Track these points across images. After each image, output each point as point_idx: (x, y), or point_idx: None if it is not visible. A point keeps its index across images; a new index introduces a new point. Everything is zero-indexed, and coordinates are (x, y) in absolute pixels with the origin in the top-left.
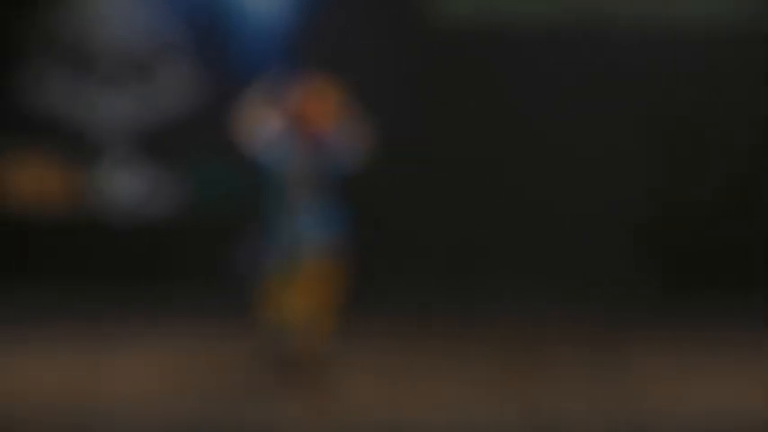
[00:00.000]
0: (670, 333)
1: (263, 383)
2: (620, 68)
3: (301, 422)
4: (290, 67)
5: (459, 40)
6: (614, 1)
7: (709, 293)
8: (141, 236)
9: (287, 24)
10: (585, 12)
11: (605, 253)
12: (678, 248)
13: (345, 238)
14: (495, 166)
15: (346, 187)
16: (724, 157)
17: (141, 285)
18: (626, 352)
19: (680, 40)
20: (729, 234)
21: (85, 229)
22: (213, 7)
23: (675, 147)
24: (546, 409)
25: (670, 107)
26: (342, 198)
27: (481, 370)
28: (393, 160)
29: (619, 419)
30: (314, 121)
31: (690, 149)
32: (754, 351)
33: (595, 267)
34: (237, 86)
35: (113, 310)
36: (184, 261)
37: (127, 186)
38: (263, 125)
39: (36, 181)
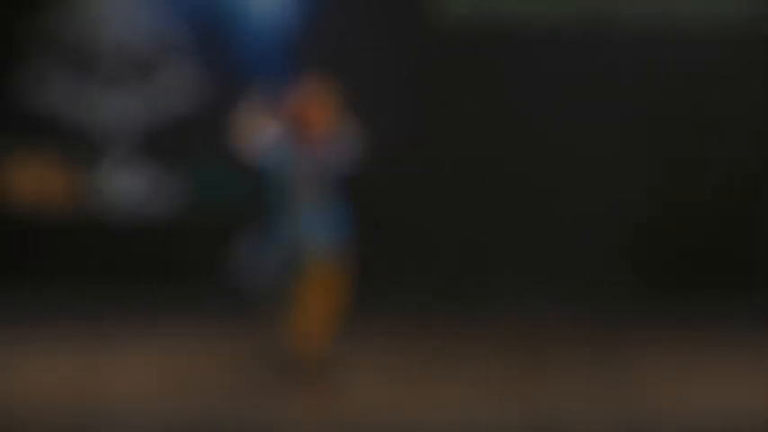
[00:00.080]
0: (670, 333)
1: (263, 383)
2: (620, 68)
3: (301, 422)
4: (291, 68)
5: (460, 39)
6: (615, 1)
7: (709, 293)
8: (142, 236)
9: (288, 24)
10: (586, 11)
11: (605, 253)
12: (678, 248)
13: (348, 239)
14: (495, 166)
15: (346, 187)
16: (724, 157)
17: (142, 285)
18: (626, 352)
19: (681, 41)
20: (729, 234)
21: (86, 229)
22: (215, 8)
23: (676, 147)
24: (546, 410)
25: (670, 107)
26: (342, 198)
27: (481, 370)
28: (393, 160)
29: (619, 419)
30: (313, 123)
31: (690, 149)
32: (754, 351)
33: (595, 267)
34: (239, 87)
35: (113, 310)
36: (185, 261)
37: (128, 186)
38: (261, 131)
39: (37, 181)
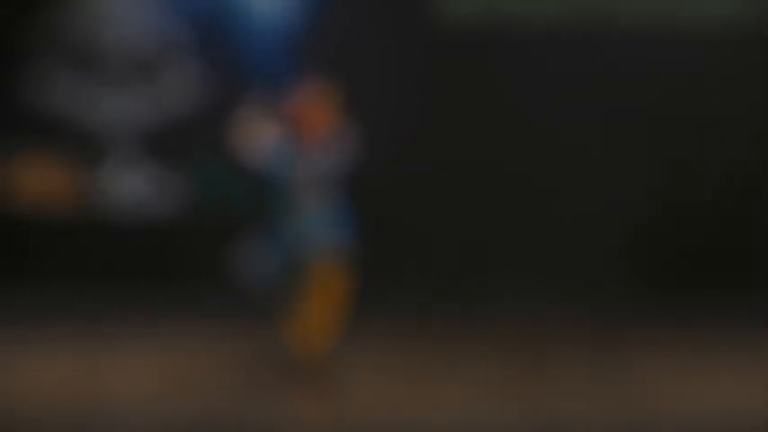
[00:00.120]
0: (670, 333)
1: (263, 383)
2: (620, 68)
3: (301, 422)
4: (294, 68)
5: (462, 40)
6: (615, 1)
7: (709, 293)
8: (145, 236)
9: (291, 24)
10: (589, 12)
11: (605, 253)
12: (678, 248)
13: (352, 239)
14: (496, 166)
15: (346, 188)
16: (724, 157)
17: (143, 285)
18: (626, 352)
19: (681, 41)
20: (729, 234)
21: (89, 229)
22: (218, 8)
23: (676, 147)
24: (546, 410)
25: (672, 108)
26: (344, 198)
27: (481, 370)
28: (393, 160)
29: (619, 419)
30: (313, 124)
31: (690, 149)
32: (754, 351)
33: (595, 267)
34: (242, 87)
35: (113, 310)
36: (187, 261)
37: (131, 186)
38: (261, 135)
39: (40, 181)
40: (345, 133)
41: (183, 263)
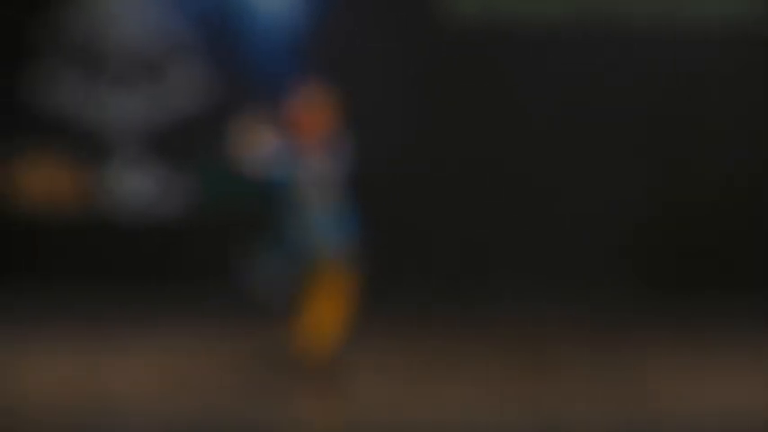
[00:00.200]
0: (670, 333)
1: (263, 383)
2: (628, 69)
3: (302, 422)
4: (299, 68)
5: (467, 39)
6: (619, 1)
7: (709, 293)
8: (151, 236)
9: (296, 24)
10: (593, 11)
11: (605, 253)
12: (678, 248)
13: (356, 239)
14: (496, 166)
15: (347, 188)
16: (724, 157)
17: (147, 285)
18: (626, 352)
19: (681, 41)
20: (730, 234)
21: (95, 229)
22: (224, 8)
23: (676, 147)
24: (546, 410)
25: (672, 108)
26: (348, 200)
27: (481, 370)
28: (393, 160)
29: (619, 419)
30: (313, 127)
31: (690, 149)
32: (754, 351)
33: (595, 267)
34: (248, 87)
35: (114, 309)
36: (189, 261)
37: (137, 186)
38: (260, 145)
39: (46, 181)
40: (345, 134)
41: (184, 263)
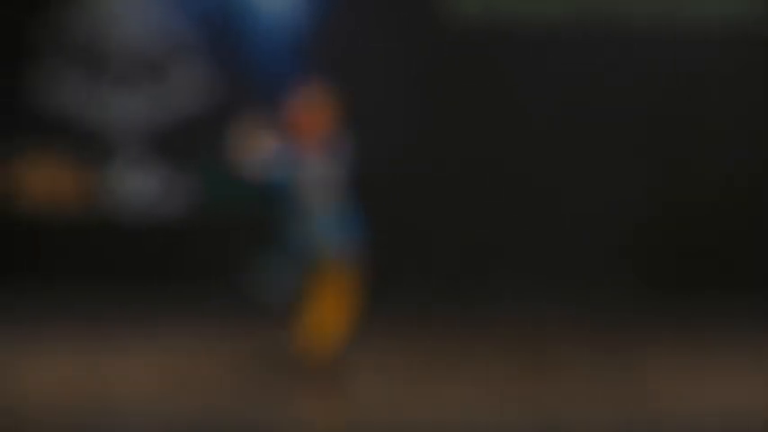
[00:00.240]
0: (670, 333)
1: (263, 383)
2: (628, 68)
3: (302, 422)
4: (301, 67)
5: (469, 39)
6: (625, 1)
7: (709, 293)
8: (153, 236)
9: (298, 24)
10: (596, 11)
11: (605, 253)
12: (678, 248)
13: (359, 239)
14: (496, 166)
15: (348, 188)
16: (724, 157)
17: (148, 285)
18: (626, 352)
19: (688, 41)
20: (730, 234)
21: (97, 230)
22: (226, 7)
23: (676, 147)
24: (546, 410)
25: (672, 108)
26: (351, 200)
27: (481, 370)
28: (393, 160)
29: (619, 419)
30: (313, 126)
31: (690, 149)
32: (754, 351)
33: (595, 267)
34: (250, 87)
35: (115, 309)
36: (190, 261)
37: (138, 186)
38: (259, 149)
39: (48, 181)
40: (347, 134)
41: (185, 263)
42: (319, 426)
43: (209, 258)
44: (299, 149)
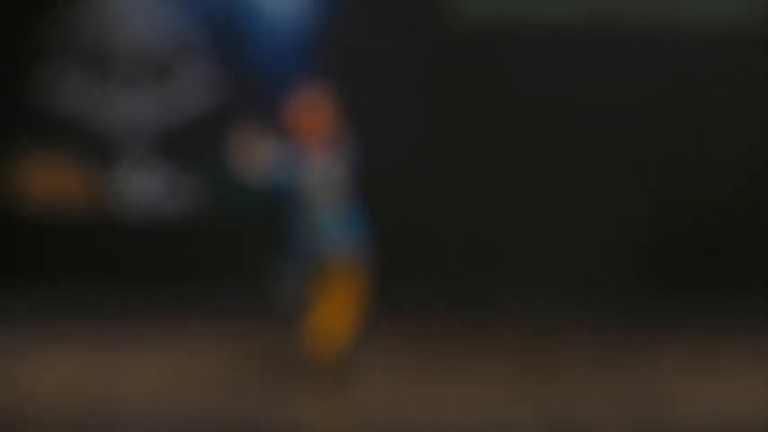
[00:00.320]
0: (670, 333)
1: (264, 384)
2: (629, 69)
3: (304, 422)
4: (306, 68)
5: (474, 40)
6: (629, 1)
7: (709, 293)
8: (159, 236)
9: (304, 25)
10: (600, 12)
11: (605, 253)
12: (678, 248)
13: (366, 240)
14: (500, 167)
15: (354, 189)
16: (724, 157)
17: (152, 285)
18: (626, 352)
19: (688, 41)
20: (730, 234)
21: (103, 230)
22: (231, 8)
23: (676, 147)
24: (549, 410)
25: (672, 108)
26: (356, 200)
27: (483, 370)
28: (397, 161)
29: (619, 419)
30: (314, 127)
31: (690, 149)
32: (754, 351)
33: (595, 267)
34: (255, 87)
35: (116, 310)
36: (201, 261)
37: (144, 187)
38: (260, 154)
39: (54, 181)
40: (351, 135)
41: (191, 263)
42: (321, 426)
43: (215, 259)
44: (302, 150)
